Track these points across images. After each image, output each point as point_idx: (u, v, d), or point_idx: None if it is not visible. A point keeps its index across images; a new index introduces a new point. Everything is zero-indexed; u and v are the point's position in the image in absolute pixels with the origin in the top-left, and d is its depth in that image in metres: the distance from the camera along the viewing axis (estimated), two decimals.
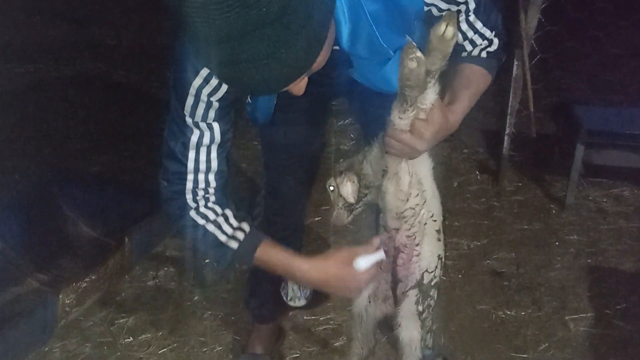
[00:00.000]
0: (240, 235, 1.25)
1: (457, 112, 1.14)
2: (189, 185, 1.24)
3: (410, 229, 1.26)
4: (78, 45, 4.46)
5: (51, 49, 4.40)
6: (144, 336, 2.05)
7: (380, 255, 1.24)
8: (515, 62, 2.64)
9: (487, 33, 1.17)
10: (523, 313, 2.12)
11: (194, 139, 1.22)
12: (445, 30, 0.99)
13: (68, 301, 1.92)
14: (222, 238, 1.25)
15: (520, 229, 2.57)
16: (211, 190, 1.26)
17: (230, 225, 1.26)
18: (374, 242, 1.26)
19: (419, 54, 0.99)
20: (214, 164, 1.25)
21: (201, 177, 1.25)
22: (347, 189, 1.28)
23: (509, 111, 2.75)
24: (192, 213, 1.25)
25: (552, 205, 2.72)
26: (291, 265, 1.25)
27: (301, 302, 1.89)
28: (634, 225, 2.56)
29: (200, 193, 1.26)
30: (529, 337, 2.03)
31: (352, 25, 1.10)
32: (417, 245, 1.28)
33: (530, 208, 2.71)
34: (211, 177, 1.25)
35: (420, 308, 1.30)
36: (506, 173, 2.88)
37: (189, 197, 1.25)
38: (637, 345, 1.97)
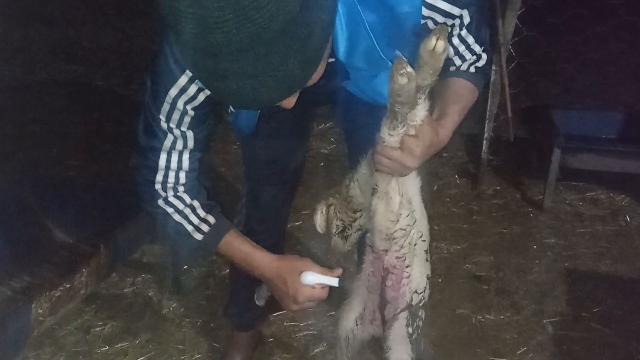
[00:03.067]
0: (204, 227, 1.28)
1: (446, 126, 1.13)
2: (159, 177, 1.25)
3: (400, 250, 1.23)
4: (53, 48, 4.39)
5: (26, 51, 4.32)
6: (120, 345, 2.02)
7: (332, 281, 1.23)
8: (493, 67, 2.66)
9: (477, 48, 1.18)
10: (502, 317, 2.14)
11: (167, 143, 1.21)
12: (436, 44, 0.97)
13: (42, 310, 1.88)
14: (189, 228, 1.28)
15: (499, 232, 2.59)
16: (182, 181, 1.27)
17: (197, 215, 1.29)
18: (337, 271, 1.25)
19: (409, 69, 0.97)
20: (185, 164, 1.25)
21: (172, 173, 1.26)
22: (316, 219, 1.29)
23: (487, 115, 2.77)
24: (161, 202, 1.28)
25: (530, 209, 2.74)
26: (250, 256, 1.29)
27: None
28: (610, 229, 2.60)
29: (170, 185, 1.27)
30: (508, 340, 2.04)
31: (349, 36, 1.07)
32: (407, 267, 1.25)
33: (509, 211, 2.73)
34: (182, 174, 1.26)
35: (410, 330, 1.29)
36: (485, 177, 2.90)
37: (158, 187, 1.26)
38: (613, 347, 2.00)
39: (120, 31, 4.64)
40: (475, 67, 1.20)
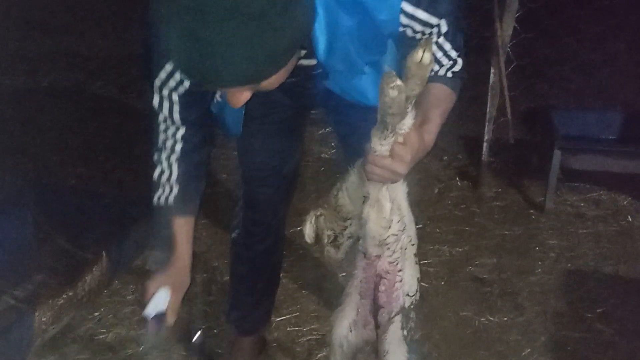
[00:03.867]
0: (162, 201, 1.36)
1: (430, 131, 1.17)
2: (160, 138, 1.35)
3: (392, 255, 1.26)
4: (53, 56, 4.40)
5: (25, 59, 4.33)
6: (124, 352, 2.01)
7: (161, 317, 1.29)
8: (492, 70, 2.67)
9: (453, 54, 1.21)
10: (505, 319, 2.14)
11: (162, 127, 1.32)
12: (423, 56, 1.01)
13: (45, 318, 1.89)
14: (157, 192, 1.36)
15: (501, 234, 2.59)
16: (177, 149, 1.34)
17: (170, 189, 1.36)
18: (172, 318, 1.34)
19: (399, 82, 1.00)
20: (179, 146, 1.34)
21: (169, 142, 1.34)
22: (306, 230, 1.33)
23: (487, 118, 2.78)
24: (155, 156, 1.36)
25: (531, 210, 2.74)
26: (175, 242, 1.38)
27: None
28: (612, 229, 2.60)
29: (169, 144, 1.34)
30: (511, 342, 2.04)
31: (328, 38, 1.11)
32: (399, 271, 1.28)
33: (511, 213, 2.73)
34: (178, 146, 1.34)
35: (405, 332, 1.32)
36: (486, 179, 2.90)
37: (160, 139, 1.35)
38: (617, 348, 2.00)
39: (119, 39, 4.65)
40: (452, 72, 1.23)
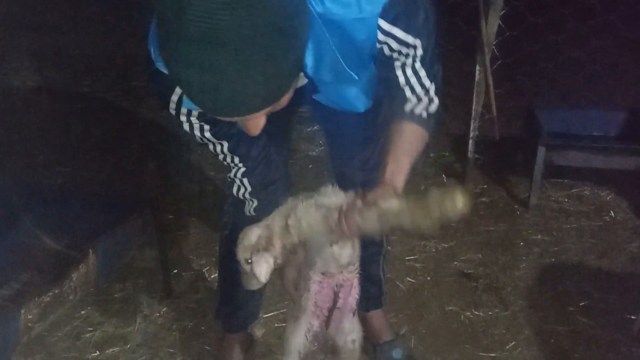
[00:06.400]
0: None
1: (400, 180, 1.16)
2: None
3: (354, 265, 1.30)
4: (41, 55, 4.38)
5: (12, 58, 4.30)
6: (111, 350, 2.02)
7: None
8: (478, 68, 2.70)
9: (427, 83, 1.20)
10: (490, 313, 2.16)
11: (218, 149, 1.36)
12: (462, 204, 1.01)
13: (31, 316, 1.88)
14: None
15: (487, 230, 2.62)
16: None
17: None
18: None
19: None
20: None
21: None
22: (261, 269, 1.25)
23: (472, 115, 2.80)
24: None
25: (516, 206, 2.77)
26: None
27: None
28: (595, 224, 2.64)
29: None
30: (496, 336, 2.06)
31: (315, 52, 1.12)
32: (357, 273, 1.32)
33: (496, 209, 2.76)
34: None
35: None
36: (472, 176, 2.93)
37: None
38: (600, 340, 2.03)
39: (107, 38, 4.63)
40: (428, 113, 1.22)
